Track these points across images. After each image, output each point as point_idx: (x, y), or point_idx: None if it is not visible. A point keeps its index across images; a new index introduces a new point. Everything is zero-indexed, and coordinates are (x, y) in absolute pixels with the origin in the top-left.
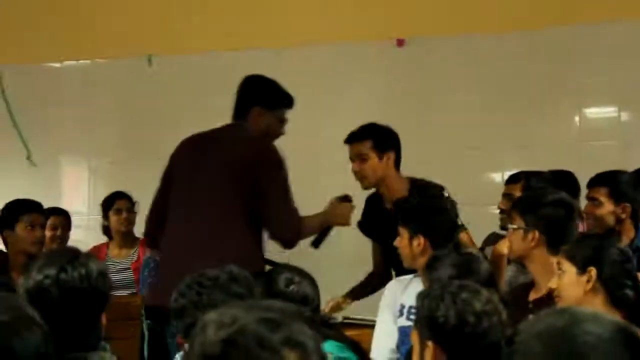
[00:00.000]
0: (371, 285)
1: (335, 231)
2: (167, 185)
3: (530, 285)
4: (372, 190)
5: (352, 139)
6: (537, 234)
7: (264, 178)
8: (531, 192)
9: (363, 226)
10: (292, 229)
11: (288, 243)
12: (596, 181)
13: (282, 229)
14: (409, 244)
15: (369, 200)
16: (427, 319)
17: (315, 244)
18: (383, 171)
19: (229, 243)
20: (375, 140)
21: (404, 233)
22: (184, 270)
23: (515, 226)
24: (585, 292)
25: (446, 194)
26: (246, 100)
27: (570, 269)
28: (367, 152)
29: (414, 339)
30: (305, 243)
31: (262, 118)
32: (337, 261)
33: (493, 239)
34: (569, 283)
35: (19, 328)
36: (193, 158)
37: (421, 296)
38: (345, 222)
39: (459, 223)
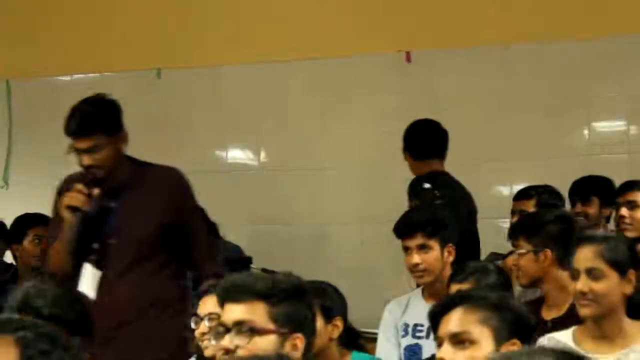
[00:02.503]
0: None
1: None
2: None
3: (541, 301)
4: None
5: None
6: (549, 253)
7: None
8: (530, 215)
9: None
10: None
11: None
12: (637, 185)
13: None
14: (440, 255)
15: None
16: (517, 316)
17: None
18: None
19: None
20: None
21: (434, 245)
22: None
23: (523, 250)
24: (624, 296)
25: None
26: None
27: (612, 274)
28: None
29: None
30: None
31: None
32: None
33: (492, 258)
34: (614, 288)
35: None
36: None
37: (499, 297)
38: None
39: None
